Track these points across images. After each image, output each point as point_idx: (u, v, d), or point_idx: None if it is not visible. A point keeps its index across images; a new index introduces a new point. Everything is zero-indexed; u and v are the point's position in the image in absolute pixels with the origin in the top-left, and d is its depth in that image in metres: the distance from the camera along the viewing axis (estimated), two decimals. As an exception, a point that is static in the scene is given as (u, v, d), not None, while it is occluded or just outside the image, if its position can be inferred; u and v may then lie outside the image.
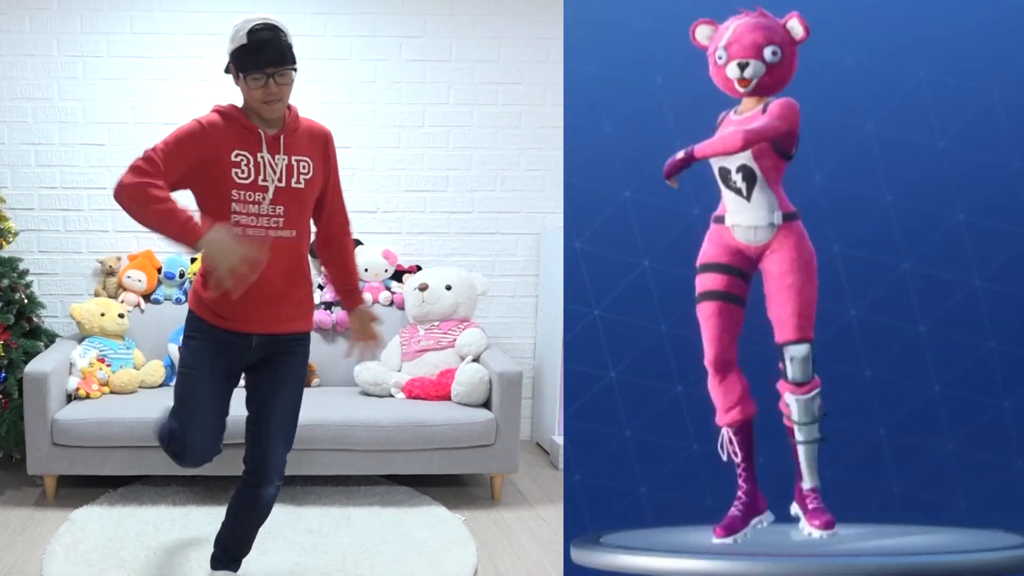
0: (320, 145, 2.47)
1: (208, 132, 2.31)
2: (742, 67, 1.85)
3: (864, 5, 2.22)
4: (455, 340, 3.86)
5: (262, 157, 2.33)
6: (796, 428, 1.91)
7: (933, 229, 2.23)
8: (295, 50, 2.34)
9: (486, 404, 3.62)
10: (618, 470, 2.28)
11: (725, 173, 1.90)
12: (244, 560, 2.74)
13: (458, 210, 4.33)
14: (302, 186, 2.39)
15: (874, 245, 2.22)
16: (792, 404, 1.90)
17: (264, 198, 2.33)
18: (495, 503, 3.57)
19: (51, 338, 3.85)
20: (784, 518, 1.98)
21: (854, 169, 2.19)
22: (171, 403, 2.58)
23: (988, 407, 2.25)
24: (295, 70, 2.34)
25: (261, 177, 2.33)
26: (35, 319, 3.77)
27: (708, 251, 1.93)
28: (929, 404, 2.26)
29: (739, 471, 1.94)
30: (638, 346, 2.24)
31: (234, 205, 2.32)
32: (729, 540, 1.91)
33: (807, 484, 1.93)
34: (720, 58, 1.88)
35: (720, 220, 1.93)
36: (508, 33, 4.24)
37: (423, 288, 3.94)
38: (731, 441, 1.92)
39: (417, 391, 3.71)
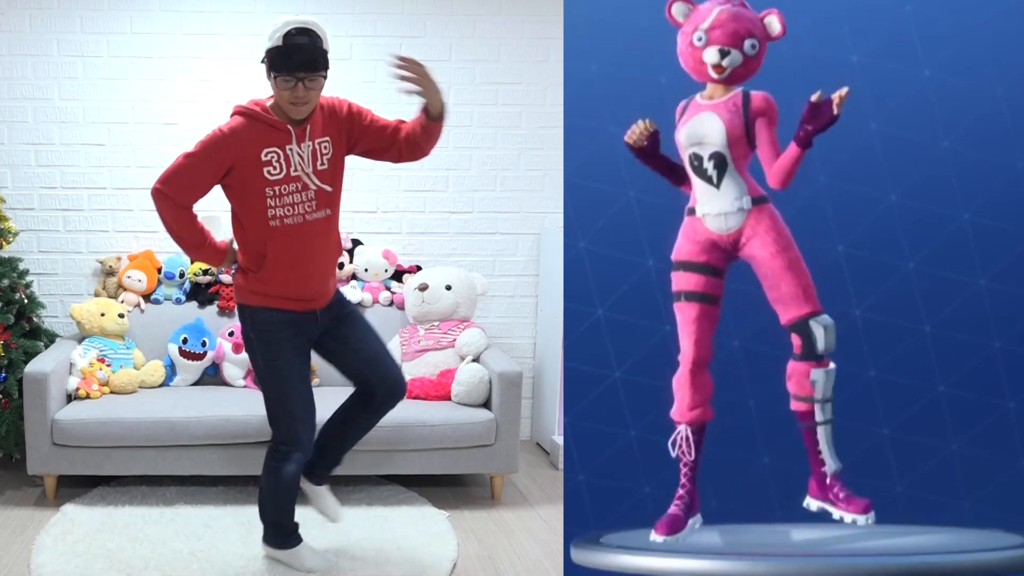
0: (332, 116, 2.54)
1: (231, 140, 2.41)
2: (723, 54, 1.85)
3: (869, 4, 2.21)
4: (455, 340, 3.85)
5: (290, 149, 2.43)
6: (818, 408, 1.89)
7: (938, 229, 2.23)
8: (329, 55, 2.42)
9: (486, 404, 3.61)
10: (622, 470, 2.27)
11: (697, 160, 1.89)
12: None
13: (458, 210, 4.33)
14: (326, 167, 2.50)
15: (878, 245, 2.22)
16: (820, 380, 1.87)
17: (299, 187, 2.45)
18: (495, 503, 3.56)
19: (51, 338, 3.85)
20: (789, 518, 1.97)
21: (858, 169, 2.18)
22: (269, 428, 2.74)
23: (993, 407, 2.25)
24: (325, 76, 2.42)
25: (292, 169, 2.43)
26: (35, 319, 3.76)
27: (684, 247, 1.92)
28: (934, 404, 2.25)
29: (685, 470, 1.93)
30: (642, 346, 2.24)
31: (269, 201, 2.43)
32: (671, 538, 1.89)
33: (832, 468, 1.89)
34: (699, 40, 1.87)
35: (692, 212, 1.93)
36: (508, 33, 4.24)
37: (423, 288, 3.93)
38: (688, 439, 1.91)
39: (417, 391, 3.70)
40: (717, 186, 1.88)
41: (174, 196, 2.46)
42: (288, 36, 2.36)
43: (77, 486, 3.52)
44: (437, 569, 2.92)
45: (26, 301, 3.69)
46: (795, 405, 1.91)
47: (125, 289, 3.98)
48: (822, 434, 1.90)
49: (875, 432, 2.27)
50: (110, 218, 4.13)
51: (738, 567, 1.70)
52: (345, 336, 2.71)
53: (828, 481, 1.90)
